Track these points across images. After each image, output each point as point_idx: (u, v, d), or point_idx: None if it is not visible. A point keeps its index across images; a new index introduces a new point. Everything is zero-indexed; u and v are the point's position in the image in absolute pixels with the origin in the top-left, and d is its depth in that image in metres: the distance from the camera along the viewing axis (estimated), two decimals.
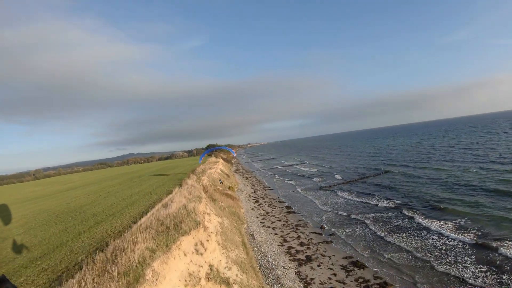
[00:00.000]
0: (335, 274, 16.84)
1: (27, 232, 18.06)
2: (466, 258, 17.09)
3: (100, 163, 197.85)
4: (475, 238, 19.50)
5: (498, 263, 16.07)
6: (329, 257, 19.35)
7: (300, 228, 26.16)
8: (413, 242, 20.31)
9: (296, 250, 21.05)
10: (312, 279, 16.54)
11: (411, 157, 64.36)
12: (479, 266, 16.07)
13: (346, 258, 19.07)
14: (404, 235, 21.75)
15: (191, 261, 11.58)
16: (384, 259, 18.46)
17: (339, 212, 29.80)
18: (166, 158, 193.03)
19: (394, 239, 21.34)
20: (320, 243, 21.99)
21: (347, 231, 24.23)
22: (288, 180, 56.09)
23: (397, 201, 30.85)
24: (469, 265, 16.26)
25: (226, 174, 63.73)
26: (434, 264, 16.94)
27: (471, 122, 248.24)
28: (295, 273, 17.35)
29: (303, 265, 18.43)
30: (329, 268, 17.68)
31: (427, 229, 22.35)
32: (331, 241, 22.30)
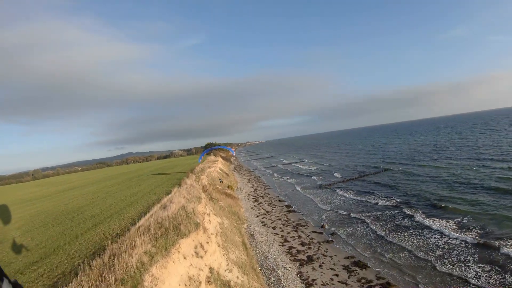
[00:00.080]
0: (337, 275, 16.66)
1: (23, 234, 17.74)
2: (469, 258, 16.95)
3: (99, 163, 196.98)
4: (477, 237, 19.37)
5: (501, 262, 15.94)
6: (331, 257, 19.17)
7: (300, 227, 25.97)
8: (415, 242, 20.16)
9: (297, 250, 20.86)
10: (314, 280, 16.35)
11: (410, 154, 64.32)
12: (482, 265, 15.93)
13: (347, 258, 18.89)
14: (405, 234, 21.60)
15: (191, 264, 11.33)
16: (386, 259, 18.30)
17: (339, 211, 29.63)
18: (165, 157, 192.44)
19: (395, 238, 21.18)
20: (321, 243, 21.80)
21: (348, 230, 24.06)
22: (287, 179, 55.92)
23: (398, 200, 30.71)
24: (472, 265, 16.12)
25: (225, 173, 63.49)
26: (436, 264, 16.79)
27: (469, 119, 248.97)
28: (297, 274, 17.15)
29: (305, 265, 18.24)
30: (331, 269, 17.49)
31: (429, 228, 22.20)
32: (332, 241, 22.11)
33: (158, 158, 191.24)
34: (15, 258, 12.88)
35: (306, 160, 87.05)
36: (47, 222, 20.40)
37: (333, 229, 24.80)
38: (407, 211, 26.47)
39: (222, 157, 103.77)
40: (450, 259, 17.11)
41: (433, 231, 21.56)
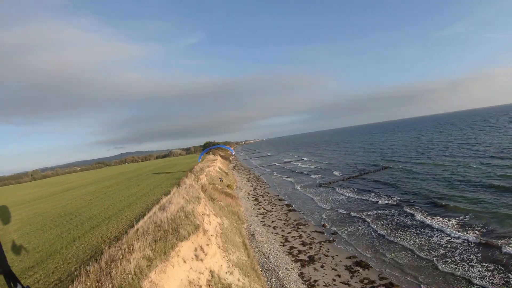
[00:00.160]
0: (339, 275, 16.47)
1: (20, 238, 17.44)
2: (472, 257, 16.80)
3: (98, 163, 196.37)
4: (479, 236, 19.22)
5: (504, 261, 15.78)
6: (332, 257, 18.98)
7: (301, 227, 25.77)
8: (417, 241, 20.00)
9: (298, 250, 20.66)
10: (316, 280, 16.15)
11: (410, 152, 64.23)
12: (486, 264, 15.78)
13: (349, 258, 18.71)
14: (407, 233, 21.44)
15: (191, 268, 11.09)
16: (388, 259, 18.13)
17: (339, 210, 29.45)
18: (164, 156, 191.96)
19: (396, 237, 21.02)
20: (323, 243, 21.62)
21: (349, 229, 23.88)
22: (287, 177, 55.73)
23: (398, 198, 30.56)
24: (476, 264, 15.96)
25: (225, 172, 63.23)
26: (439, 263, 16.62)
27: (468, 116, 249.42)
28: (298, 275, 16.95)
29: (306, 266, 18.04)
30: (333, 269, 17.31)
31: (430, 227, 22.04)
32: (333, 240, 21.92)
33: (157, 158, 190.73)
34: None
35: (305, 159, 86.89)
36: (45, 225, 20.10)
37: (333, 228, 24.62)
38: (408, 210, 26.31)
39: (221, 156, 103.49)
40: (452, 258, 16.95)
41: (434, 230, 21.41)
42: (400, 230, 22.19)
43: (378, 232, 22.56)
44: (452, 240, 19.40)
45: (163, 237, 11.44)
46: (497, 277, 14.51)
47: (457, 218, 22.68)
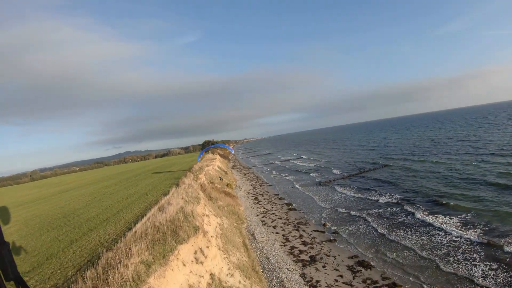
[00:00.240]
0: (341, 276, 16.29)
1: (17, 241, 17.15)
2: (474, 256, 16.64)
3: (96, 162, 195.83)
4: (481, 234, 19.07)
5: (507, 260, 15.63)
6: (334, 257, 18.79)
7: (302, 226, 25.58)
8: (418, 240, 19.83)
9: (299, 250, 20.46)
10: (318, 281, 15.96)
11: (409, 150, 64.15)
12: (489, 264, 15.61)
13: (351, 257, 18.52)
14: (408, 232, 21.27)
15: (191, 271, 10.85)
16: (389, 258, 17.94)
17: (340, 209, 29.25)
18: (163, 156, 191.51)
19: (398, 237, 20.85)
20: (324, 242, 21.42)
21: (350, 228, 23.70)
22: (286, 176, 55.55)
23: (398, 196, 30.40)
24: (479, 263, 15.80)
25: (224, 171, 62.99)
26: (441, 263, 16.45)
27: (466, 113, 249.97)
28: (300, 276, 16.75)
29: (308, 266, 17.85)
30: (335, 269, 17.11)
31: (431, 225, 21.88)
32: (334, 240, 21.74)
33: (156, 157, 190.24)
34: None
35: (304, 157, 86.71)
36: (42, 227, 19.79)
37: (334, 227, 24.44)
38: (408, 208, 26.15)
39: (220, 155, 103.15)
40: (455, 258, 16.79)
41: (436, 228, 21.24)
42: (401, 229, 22.03)
43: (379, 231, 22.38)
44: (453, 239, 19.24)
45: (162, 240, 11.17)
46: (501, 276, 14.36)
47: (458, 217, 22.54)
